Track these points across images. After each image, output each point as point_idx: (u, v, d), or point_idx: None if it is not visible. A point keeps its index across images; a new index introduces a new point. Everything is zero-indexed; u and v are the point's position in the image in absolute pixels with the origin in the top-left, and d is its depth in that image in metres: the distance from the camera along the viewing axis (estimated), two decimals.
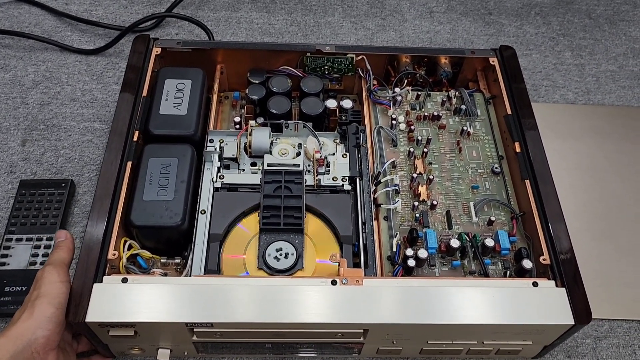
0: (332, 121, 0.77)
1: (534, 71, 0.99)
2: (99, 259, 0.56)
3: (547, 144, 0.69)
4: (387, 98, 0.76)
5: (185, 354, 0.63)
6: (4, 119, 0.85)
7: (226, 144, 0.70)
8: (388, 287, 0.56)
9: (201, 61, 0.77)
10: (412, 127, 0.74)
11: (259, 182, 0.66)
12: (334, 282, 0.56)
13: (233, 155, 0.69)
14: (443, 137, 0.74)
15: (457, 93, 0.77)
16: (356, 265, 0.61)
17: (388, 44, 1.01)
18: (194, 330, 0.55)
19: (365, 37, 1.03)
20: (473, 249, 0.64)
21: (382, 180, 0.68)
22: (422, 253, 0.61)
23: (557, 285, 0.58)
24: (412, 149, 0.71)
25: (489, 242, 0.62)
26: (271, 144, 0.69)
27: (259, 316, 0.53)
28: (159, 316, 0.53)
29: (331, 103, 0.76)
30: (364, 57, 0.77)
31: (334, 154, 0.70)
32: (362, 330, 0.56)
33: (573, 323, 0.55)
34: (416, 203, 0.67)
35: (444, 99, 0.77)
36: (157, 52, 0.75)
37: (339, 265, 0.60)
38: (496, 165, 0.71)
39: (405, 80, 0.79)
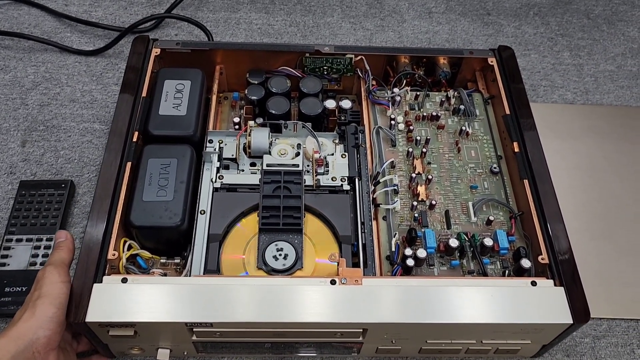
0: (331, 121, 0.77)
1: (532, 71, 0.99)
2: (98, 259, 0.57)
3: (546, 144, 0.70)
4: (386, 98, 0.76)
5: (185, 353, 0.63)
6: (3, 120, 0.85)
7: (225, 144, 0.70)
8: (387, 286, 0.56)
9: (200, 62, 0.77)
10: (411, 127, 0.74)
11: (258, 183, 0.66)
12: (333, 282, 0.56)
13: (232, 155, 0.69)
14: (442, 137, 0.75)
15: (455, 93, 0.78)
16: (355, 265, 0.62)
17: (387, 45, 1.01)
18: (194, 330, 0.55)
19: (364, 38, 1.03)
20: (472, 249, 0.64)
21: (381, 180, 0.68)
22: (421, 253, 0.61)
23: (555, 285, 0.58)
24: (411, 149, 0.72)
25: (488, 242, 0.63)
26: (270, 144, 0.70)
27: (259, 316, 0.54)
28: (158, 316, 0.53)
29: (330, 103, 0.76)
30: (363, 57, 0.78)
31: (333, 154, 0.70)
32: (362, 330, 0.56)
33: (571, 322, 0.55)
34: (415, 203, 0.67)
35: (443, 99, 0.78)
36: (156, 52, 0.76)
37: (338, 265, 0.60)
38: (495, 165, 0.71)
39: (404, 81, 0.79)
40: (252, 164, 0.69)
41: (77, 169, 0.81)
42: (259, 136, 0.69)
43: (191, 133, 0.68)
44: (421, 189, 0.68)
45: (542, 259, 0.60)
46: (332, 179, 0.67)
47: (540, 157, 0.68)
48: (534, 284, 0.58)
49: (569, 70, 1.00)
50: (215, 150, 0.69)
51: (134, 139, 0.66)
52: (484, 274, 0.62)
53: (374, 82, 0.78)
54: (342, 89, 0.83)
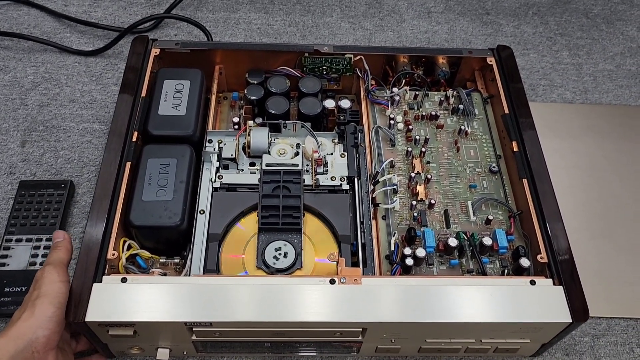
0: (331, 121, 0.77)
1: (531, 71, 0.99)
2: (98, 259, 0.57)
3: (545, 144, 0.70)
4: (385, 98, 0.76)
5: (185, 353, 0.63)
6: (3, 120, 0.85)
7: (225, 144, 0.70)
8: (386, 286, 0.56)
9: (200, 62, 0.77)
10: (410, 127, 0.74)
11: (257, 182, 0.66)
12: (332, 281, 0.56)
13: (232, 155, 0.69)
14: (441, 137, 0.75)
15: (454, 93, 0.78)
16: (354, 264, 0.62)
17: (386, 44, 1.01)
18: (193, 329, 0.55)
19: (364, 38, 1.03)
20: (471, 248, 0.64)
21: (380, 180, 0.68)
22: (420, 252, 0.61)
23: (554, 284, 0.58)
24: (410, 149, 0.72)
25: (487, 241, 0.63)
26: (270, 144, 0.70)
27: (258, 315, 0.54)
28: (158, 316, 0.53)
29: (329, 103, 0.76)
30: (362, 57, 0.78)
31: (332, 154, 0.70)
32: (361, 329, 0.56)
33: (570, 321, 0.55)
34: (414, 202, 0.67)
35: (442, 99, 0.78)
36: (155, 53, 0.76)
37: (337, 264, 0.60)
38: (494, 165, 0.71)
39: (403, 80, 0.79)
40: (252, 164, 0.69)
41: (77, 169, 0.81)
42: (259, 136, 0.69)
43: (190, 133, 0.68)
44: (420, 189, 0.68)
45: (541, 258, 0.60)
46: (331, 178, 0.67)
47: (539, 156, 0.68)
48: (533, 283, 0.58)
49: (568, 69, 1.00)
50: (214, 150, 0.69)
51: (134, 139, 0.66)
52: (483, 273, 0.62)
53: (373, 82, 0.78)
54: (341, 89, 0.83)
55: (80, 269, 0.56)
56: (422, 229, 0.65)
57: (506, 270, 0.63)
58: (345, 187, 0.67)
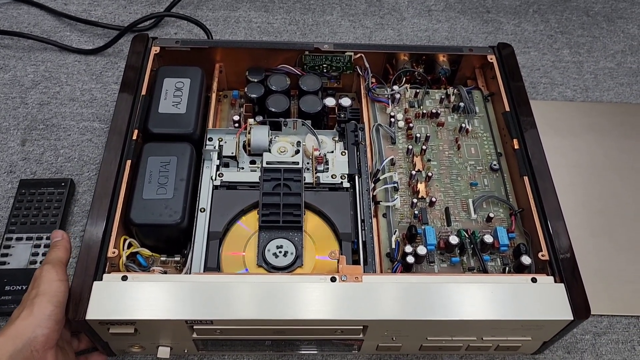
0: (331, 119, 0.77)
1: (532, 69, 0.99)
2: (98, 257, 0.57)
3: (546, 142, 0.70)
4: (386, 96, 0.76)
5: (186, 351, 0.63)
6: (3, 119, 0.85)
7: (225, 142, 0.70)
8: (387, 283, 0.56)
9: (200, 60, 0.77)
10: (411, 125, 0.74)
11: (258, 180, 0.66)
12: (333, 279, 0.56)
13: (232, 153, 0.69)
14: (442, 135, 0.75)
15: (455, 91, 0.78)
16: (355, 262, 0.62)
17: (386, 43, 1.01)
18: (194, 327, 0.55)
19: (364, 36, 1.03)
20: (472, 246, 0.64)
21: (380, 178, 0.68)
22: (421, 250, 0.61)
23: (555, 281, 0.58)
24: (410, 147, 0.72)
25: (488, 239, 0.63)
26: (270, 142, 0.70)
27: (259, 313, 0.54)
28: (159, 314, 0.53)
29: (330, 101, 0.76)
30: (363, 55, 0.78)
31: (332, 152, 0.70)
32: (362, 327, 0.56)
33: (572, 318, 0.55)
34: (415, 200, 0.67)
35: (443, 97, 0.78)
36: (156, 51, 0.76)
37: (338, 262, 0.60)
38: (495, 162, 0.71)
39: (404, 78, 0.79)
40: (252, 162, 0.69)
41: (77, 167, 0.81)
42: (259, 134, 0.69)
43: (191, 131, 0.68)
44: (421, 186, 0.68)
45: (542, 256, 0.60)
46: (332, 176, 0.67)
47: (540, 154, 0.68)
48: (534, 280, 0.58)
49: (569, 67, 1.00)
50: (215, 148, 0.69)
51: (134, 137, 0.66)
52: (484, 270, 0.62)
53: (373, 80, 0.78)
54: (342, 87, 0.83)
55: (80, 267, 0.56)
56: (423, 227, 0.65)
57: (507, 268, 0.63)
58: (346, 185, 0.67)
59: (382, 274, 0.61)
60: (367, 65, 0.77)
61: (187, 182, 0.64)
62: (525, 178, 0.66)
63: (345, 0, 1.08)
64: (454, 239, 0.62)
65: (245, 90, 0.76)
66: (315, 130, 0.71)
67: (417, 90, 0.78)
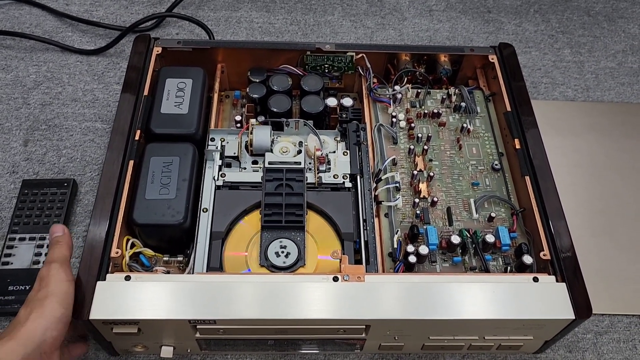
0: (333, 119, 0.77)
1: (533, 68, 0.99)
2: (102, 258, 0.57)
3: (547, 141, 0.70)
4: (387, 96, 0.77)
5: (189, 351, 0.63)
6: (6, 120, 0.85)
7: (227, 142, 0.70)
8: (389, 283, 0.56)
9: (202, 60, 0.77)
10: (412, 125, 0.74)
11: (260, 180, 0.66)
12: (335, 279, 0.56)
13: (234, 153, 0.69)
14: (443, 135, 0.75)
15: (456, 90, 0.78)
16: (357, 262, 0.62)
17: (387, 43, 1.01)
18: (197, 327, 0.55)
19: (365, 36, 1.03)
20: (474, 245, 0.64)
21: (382, 178, 0.68)
22: (423, 249, 0.61)
23: (557, 281, 0.58)
24: (412, 147, 0.72)
25: (490, 238, 0.63)
26: (272, 142, 0.70)
27: (262, 313, 0.54)
28: (162, 313, 0.53)
29: (331, 101, 0.76)
30: (364, 55, 0.78)
31: (334, 152, 0.70)
32: (364, 326, 0.57)
33: (573, 317, 0.55)
34: (417, 200, 0.67)
35: (444, 97, 0.78)
36: (157, 51, 0.76)
37: (340, 261, 0.60)
38: (496, 162, 0.71)
39: (405, 78, 0.79)
40: (254, 162, 0.69)
41: (80, 167, 0.81)
42: (261, 134, 0.69)
43: (193, 131, 0.68)
44: (423, 186, 0.68)
45: (544, 255, 0.60)
46: (334, 176, 0.67)
47: (541, 153, 0.68)
48: (535, 280, 0.58)
49: (570, 67, 1.00)
50: (217, 148, 0.69)
51: (136, 138, 0.66)
52: (486, 270, 0.62)
53: (375, 80, 0.78)
54: (344, 87, 0.83)
55: (84, 267, 0.56)
56: (424, 227, 0.65)
57: (509, 268, 0.63)
58: (348, 185, 0.67)
59: (385, 273, 0.61)
60: (369, 66, 0.78)
61: (189, 182, 0.64)
62: (527, 178, 0.66)
63: (347, 1, 1.09)
64: (455, 239, 0.63)
65: (247, 90, 0.77)
66: (317, 131, 0.71)
67: (419, 90, 0.78)
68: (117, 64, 0.94)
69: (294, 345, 0.63)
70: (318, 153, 0.68)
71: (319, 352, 0.65)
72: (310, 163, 0.69)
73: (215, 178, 0.67)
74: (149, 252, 0.63)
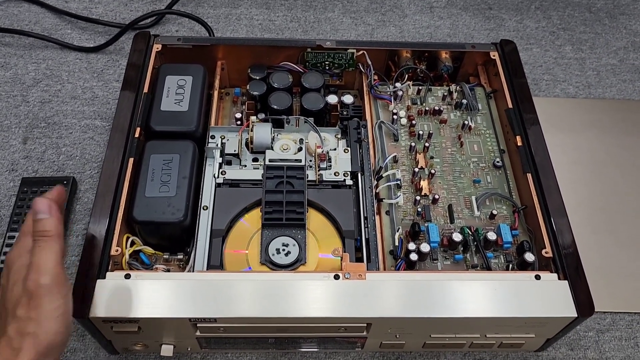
0: (333, 116, 0.77)
1: (534, 65, 0.99)
2: (101, 256, 0.56)
3: (548, 138, 0.69)
4: (388, 93, 0.76)
5: (189, 349, 0.63)
6: (5, 117, 0.85)
7: (228, 140, 0.70)
8: (391, 281, 0.56)
9: (202, 58, 0.77)
10: (414, 122, 0.74)
11: (260, 178, 0.66)
12: (336, 277, 0.56)
13: (235, 151, 0.69)
14: (444, 132, 0.74)
15: (458, 87, 0.77)
16: (358, 259, 0.62)
17: (388, 40, 1.01)
18: (198, 325, 0.55)
19: (366, 33, 1.02)
20: (475, 243, 0.64)
21: (383, 175, 0.68)
22: (425, 247, 0.61)
23: (559, 278, 0.58)
24: (413, 144, 0.71)
25: (491, 236, 0.63)
26: (273, 139, 0.69)
27: (262, 311, 0.54)
28: (162, 312, 0.53)
29: (332, 98, 0.76)
30: (365, 52, 0.77)
31: (335, 149, 0.70)
32: (365, 324, 0.56)
33: (576, 315, 0.55)
34: (418, 197, 0.67)
35: (445, 94, 0.77)
36: (157, 48, 0.75)
37: (341, 259, 0.60)
38: (498, 159, 0.71)
39: (406, 75, 0.79)
40: (255, 160, 0.69)
41: (79, 165, 0.80)
42: (261, 131, 0.69)
43: (193, 129, 0.68)
44: (424, 184, 0.68)
45: (545, 253, 0.60)
46: (334, 173, 0.67)
47: (543, 151, 0.68)
48: (537, 277, 0.58)
49: (571, 64, 0.99)
50: (217, 145, 0.69)
51: (136, 135, 0.66)
52: (487, 268, 0.62)
53: (375, 77, 0.77)
54: (344, 84, 0.83)
55: (83, 265, 0.55)
56: (426, 224, 0.65)
57: (511, 265, 0.63)
58: (349, 182, 0.67)
59: (386, 271, 0.61)
60: (370, 63, 0.77)
61: (189, 180, 0.64)
62: (529, 175, 0.66)
63: None
64: (457, 236, 0.62)
65: (248, 87, 0.76)
66: (317, 128, 0.70)
67: (420, 87, 0.78)
68: (117, 61, 0.94)
69: (295, 344, 0.63)
70: (319, 150, 0.68)
71: (319, 350, 0.65)
72: (310, 160, 0.69)
73: (216, 176, 0.66)
74: (149, 250, 0.62)
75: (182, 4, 1.03)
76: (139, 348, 0.61)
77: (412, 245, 0.61)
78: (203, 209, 0.64)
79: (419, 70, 0.79)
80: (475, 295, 0.56)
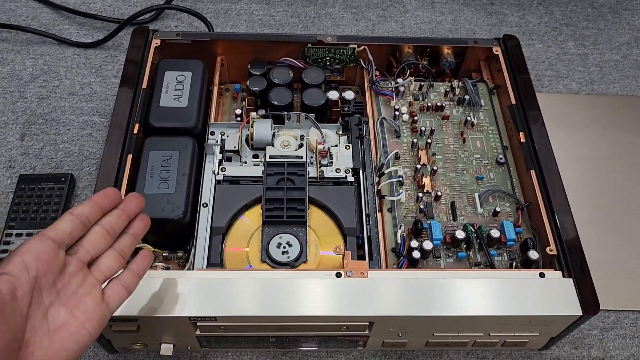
0: (334, 112, 0.76)
1: (537, 61, 0.98)
2: None
3: (550, 135, 0.69)
4: (390, 89, 0.75)
5: (189, 348, 0.62)
6: (2, 114, 0.84)
7: (227, 136, 0.69)
8: (393, 279, 0.55)
9: (201, 53, 0.76)
10: (416, 118, 0.73)
11: (261, 175, 0.65)
12: (338, 275, 0.55)
13: (235, 147, 0.68)
14: (447, 128, 0.74)
15: (460, 83, 0.77)
16: (360, 257, 0.61)
17: (389, 35, 1.00)
18: (198, 324, 0.54)
19: (366, 28, 1.01)
20: (478, 240, 0.63)
21: (385, 172, 0.67)
22: (427, 244, 0.60)
23: (564, 276, 0.57)
24: (415, 140, 0.71)
25: (495, 233, 0.62)
26: (273, 136, 0.69)
27: (263, 309, 0.53)
28: (161, 311, 0.52)
29: (333, 94, 0.75)
30: (366, 47, 0.76)
31: (336, 146, 0.69)
32: (368, 323, 0.56)
33: (581, 314, 0.54)
34: (420, 194, 0.66)
35: (447, 90, 0.77)
36: (156, 44, 0.74)
37: (343, 257, 0.59)
38: (501, 156, 0.70)
39: (408, 71, 0.78)
40: (255, 156, 0.68)
41: (77, 162, 0.80)
42: (262, 128, 0.68)
43: (193, 125, 0.67)
44: (426, 180, 0.67)
45: (550, 250, 0.59)
46: (336, 170, 0.66)
47: (547, 147, 0.67)
48: (542, 275, 0.57)
49: (574, 60, 0.99)
50: (217, 142, 0.68)
51: (135, 131, 0.65)
52: (491, 265, 0.61)
53: (377, 73, 0.77)
54: (345, 80, 0.82)
55: None
56: (428, 222, 0.64)
57: (514, 263, 0.62)
58: (350, 179, 0.66)
59: (388, 269, 0.60)
60: (371, 58, 0.76)
61: (189, 176, 0.63)
62: (532, 172, 0.65)
63: None
64: (460, 234, 0.62)
65: (248, 83, 0.75)
66: (318, 124, 0.70)
67: (422, 83, 0.77)
68: (115, 56, 0.93)
69: (296, 343, 0.62)
70: (320, 147, 0.67)
71: (320, 349, 0.64)
72: (312, 157, 0.68)
73: (216, 172, 0.65)
74: (148, 247, 0.62)
75: None
76: (138, 347, 0.61)
77: (414, 243, 0.61)
78: (203, 206, 0.63)
79: (420, 65, 0.78)
80: (479, 293, 0.55)
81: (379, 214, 0.64)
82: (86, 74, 0.90)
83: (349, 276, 0.55)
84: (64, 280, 0.43)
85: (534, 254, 0.60)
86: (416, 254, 0.60)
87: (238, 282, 0.54)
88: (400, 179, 0.67)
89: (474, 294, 0.55)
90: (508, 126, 0.73)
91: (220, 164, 0.66)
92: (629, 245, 0.76)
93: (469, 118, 0.73)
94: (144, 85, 0.70)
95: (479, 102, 0.75)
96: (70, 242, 0.44)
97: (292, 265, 0.60)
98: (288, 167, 0.65)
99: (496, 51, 0.77)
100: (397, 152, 0.70)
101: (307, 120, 0.70)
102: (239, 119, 0.74)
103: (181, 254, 0.63)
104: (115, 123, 0.66)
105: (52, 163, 0.79)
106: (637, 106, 0.92)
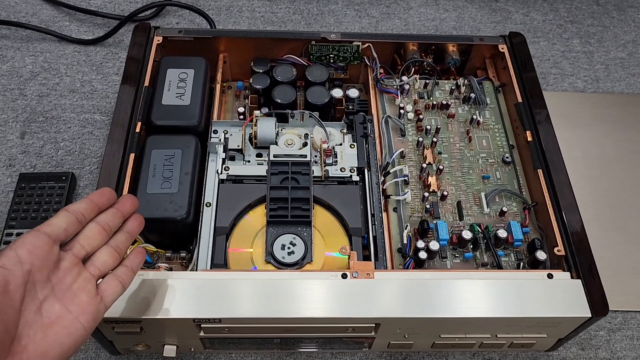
0: (339, 111, 0.75)
1: (542, 59, 0.97)
2: None
3: (556, 133, 0.68)
4: (395, 87, 0.74)
5: (192, 350, 0.61)
6: (2, 111, 0.83)
7: (231, 134, 0.68)
8: (400, 280, 0.55)
9: (203, 50, 0.75)
10: (421, 117, 0.72)
11: (265, 174, 0.64)
12: (344, 276, 0.54)
13: (238, 146, 0.67)
14: (452, 127, 0.73)
15: (465, 81, 0.76)
16: (366, 258, 0.60)
17: (393, 32, 0.99)
18: (201, 326, 0.54)
19: (370, 25, 1.01)
20: (485, 241, 0.62)
21: (390, 171, 0.66)
22: (434, 245, 0.60)
23: (572, 277, 0.57)
24: (421, 139, 0.70)
25: (502, 233, 0.61)
26: (277, 134, 0.68)
27: (268, 311, 0.52)
28: (165, 312, 0.51)
29: (337, 92, 0.74)
30: (370, 45, 0.76)
31: (341, 144, 0.68)
32: (374, 325, 0.55)
33: (590, 315, 0.54)
34: (426, 194, 0.65)
35: (453, 88, 0.76)
36: (158, 41, 0.73)
37: (349, 258, 0.58)
38: (507, 155, 0.69)
39: (413, 69, 0.77)
40: (259, 155, 0.67)
41: (78, 161, 0.79)
42: (265, 126, 0.67)
43: (195, 123, 0.66)
44: (432, 180, 0.66)
45: (558, 251, 0.59)
46: (341, 169, 0.66)
47: (554, 146, 0.66)
48: (550, 276, 0.56)
49: (579, 57, 0.98)
50: (220, 140, 0.67)
51: (137, 130, 0.64)
52: (498, 266, 0.61)
53: (381, 71, 0.76)
54: (349, 78, 0.81)
55: None
56: (434, 222, 0.63)
57: (522, 264, 0.61)
58: (355, 178, 0.65)
59: (394, 270, 0.59)
60: (375, 56, 0.75)
61: (192, 175, 0.62)
62: (540, 171, 0.65)
63: None
64: (466, 234, 0.61)
65: (251, 81, 0.74)
66: (322, 122, 0.69)
67: (427, 81, 0.76)
68: (116, 54, 0.92)
69: (300, 344, 0.61)
70: (324, 145, 0.66)
71: (325, 350, 0.64)
72: (316, 156, 0.67)
73: (219, 171, 0.65)
74: (151, 248, 0.61)
75: None
76: (141, 348, 0.60)
77: (420, 243, 0.60)
78: (206, 205, 0.62)
79: (425, 63, 0.77)
80: (486, 294, 0.54)
81: (384, 214, 0.63)
82: (87, 71, 0.89)
83: (355, 277, 0.54)
84: (58, 275, 0.42)
85: (541, 255, 0.59)
86: (423, 255, 0.59)
87: (242, 283, 0.53)
88: (406, 178, 0.66)
89: (481, 295, 0.54)
90: (514, 125, 0.72)
91: (223, 162, 0.66)
92: (636, 244, 0.75)
93: (474, 116, 0.72)
94: (146, 83, 0.69)
95: (484, 101, 0.74)
96: (65, 238, 0.44)
97: (297, 266, 0.59)
98: (292, 166, 0.64)
99: (502, 49, 0.76)
100: (403, 151, 0.69)
101: (312, 118, 0.69)
102: (242, 117, 0.73)
103: (184, 254, 0.63)
104: (117, 121, 0.65)
105: (53, 161, 0.78)
106: None
